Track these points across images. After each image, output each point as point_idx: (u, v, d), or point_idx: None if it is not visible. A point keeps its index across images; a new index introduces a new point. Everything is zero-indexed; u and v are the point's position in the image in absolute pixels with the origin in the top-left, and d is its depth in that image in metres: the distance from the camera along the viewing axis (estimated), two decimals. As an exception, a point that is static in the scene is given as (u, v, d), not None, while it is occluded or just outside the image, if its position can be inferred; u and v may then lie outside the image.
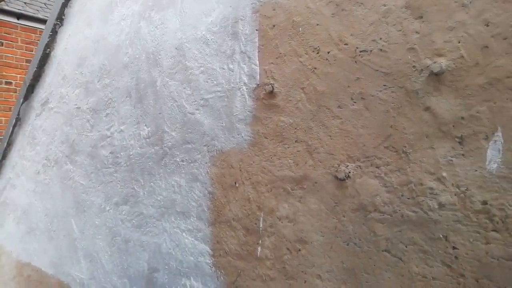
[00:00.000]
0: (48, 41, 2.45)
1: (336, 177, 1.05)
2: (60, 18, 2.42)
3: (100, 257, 1.84)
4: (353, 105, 1.04)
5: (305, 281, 1.09)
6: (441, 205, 0.87)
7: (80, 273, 1.96)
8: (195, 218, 1.41)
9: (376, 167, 0.99)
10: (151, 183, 1.61)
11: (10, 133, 2.74)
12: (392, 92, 0.97)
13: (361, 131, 1.02)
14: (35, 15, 7.56)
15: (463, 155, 0.85)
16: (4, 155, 2.86)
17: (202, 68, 1.47)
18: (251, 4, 1.33)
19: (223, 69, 1.39)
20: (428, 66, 0.91)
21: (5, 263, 2.66)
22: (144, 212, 1.62)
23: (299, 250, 1.12)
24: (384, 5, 1.01)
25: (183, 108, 1.52)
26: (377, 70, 1.00)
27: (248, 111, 1.30)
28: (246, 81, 1.31)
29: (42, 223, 2.33)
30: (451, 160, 0.86)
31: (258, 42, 1.30)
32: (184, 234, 1.44)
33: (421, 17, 0.94)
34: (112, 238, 1.77)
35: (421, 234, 0.90)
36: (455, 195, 0.85)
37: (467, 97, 0.85)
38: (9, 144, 2.79)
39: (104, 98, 1.96)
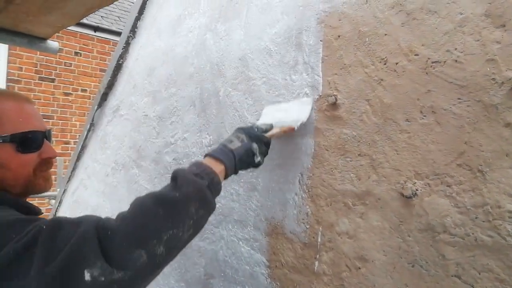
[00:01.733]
0: (121, 53, 2.63)
1: (402, 194, 1.00)
2: (133, 31, 2.59)
3: (159, 259, 1.91)
4: (423, 119, 0.99)
5: (364, 302, 1.05)
6: (523, 231, 0.79)
7: (141, 273, 2.05)
8: (252, 228, 1.41)
9: (447, 186, 0.92)
10: (211, 190, 1.64)
11: (84, 137, 2.97)
12: (467, 106, 0.91)
13: (431, 146, 0.96)
14: (110, 28, 8.15)
15: (551, 177, 0.77)
16: (78, 158, 3.10)
17: (264, 79, 1.48)
18: (316, 14, 1.32)
19: (285, 79, 1.39)
20: (510, 79, 0.84)
21: (74, 258, 2.86)
22: (202, 218, 1.66)
23: (359, 268, 1.08)
24: (461, 14, 0.95)
25: (244, 118, 1.54)
26: (451, 83, 0.94)
27: (310, 123, 1.28)
28: (308, 92, 1.30)
29: (109, 223, 2.47)
30: (537, 182, 0.78)
31: (322, 52, 1.29)
32: (240, 242, 1.45)
33: (504, 26, 0.87)
34: (172, 242, 1.83)
35: (498, 261, 0.82)
36: (541, 221, 0.77)
37: (557, 113, 0.77)
38: (83, 147, 3.02)
39: (169, 107, 2.05)
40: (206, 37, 1.87)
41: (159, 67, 2.22)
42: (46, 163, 1.00)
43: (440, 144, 0.95)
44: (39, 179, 0.98)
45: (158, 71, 2.22)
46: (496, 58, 0.87)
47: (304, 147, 1.29)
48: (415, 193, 0.98)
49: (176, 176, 0.90)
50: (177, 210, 0.81)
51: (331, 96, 1.21)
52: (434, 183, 0.95)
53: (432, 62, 0.99)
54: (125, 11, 8.85)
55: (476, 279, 0.85)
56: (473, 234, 0.87)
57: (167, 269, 1.85)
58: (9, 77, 6.84)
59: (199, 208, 0.85)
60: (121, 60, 2.66)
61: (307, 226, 1.23)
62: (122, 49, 2.62)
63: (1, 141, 0.90)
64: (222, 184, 0.99)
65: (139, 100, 2.36)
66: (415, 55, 1.03)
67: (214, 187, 0.93)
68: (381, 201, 1.05)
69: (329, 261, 1.15)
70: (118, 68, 2.68)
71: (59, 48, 7.40)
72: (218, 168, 0.99)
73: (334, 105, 1.21)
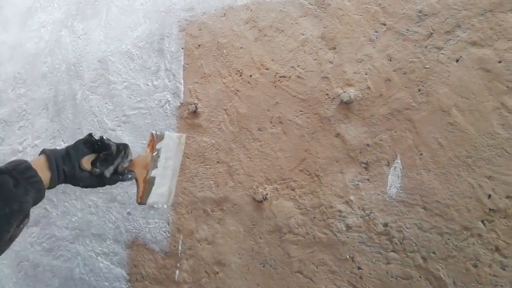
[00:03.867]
0: (-45, 44, 2.22)
1: (254, 199, 1.06)
2: (-28, 20, 2.21)
3: (3, 284, 1.66)
4: (272, 128, 1.07)
5: (222, 305, 1.08)
6: (349, 227, 0.91)
7: (-20, 302, 1.76)
8: (112, 241, 1.34)
9: (292, 190, 1.02)
10: (66, 203, 1.50)
11: None
12: (307, 117, 1.02)
13: (278, 154, 1.05)
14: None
15: (368, 179, 0.91)
16: None
17: (125, 83, 1.42)
18: (178, 22, 1.32)
19: (147, 85, 1.36)
20: (339, 95, 0.97)
21: None
22: (56, 234, 1.51)
23: (217, 272, 1.11)
24: (303, 34, 1.06)
25: (104, 124, 1.45)
26: (295, 96, 1.04)
27: (171, 130, 1.27)
28: (170, 99, 1.29)
29: None
30: (358, 184, 0.92)
31: (183, 60, 1.29)
32: (99, 257, 1.36)
33: (335, 48, 1.00)
34: (19, 263, 1.62)
35: (331, 255, 0.93)
36: (361, 217, 0.90)
37: (372, 125, 0.91)
38: None
39: (17, 109, 1.81)
40: (62, 34, 1.71)
41: (4, 64, 1.94)
42: None
43: (286, 151, 1.04)
44: None
45: (3, 68, 1.94)
46: (329, 76, 1.00)
47: (166, 155, 1.27)
48: (265, 197, 1.05)
49: None
50: None
51: (192, 104, 1.23)
52: (281, 187, 1.04)
53: (280, 77, 1.08)
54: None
55: (314, 273, 0.96)
56: (312, 232, 0.97)
57: (13, 295, 1.63)
58: None
59: None
60: (-44, 52, 2.25)
61: (168, 235, 1.22)
62: (-43, 39, 2.22)
63: None
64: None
65: (-21, 100, 2.03)
66: (266, 69, 1.11)
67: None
68: (236, 206, 1.10)
69: (189, 269, 1.16)
70: (-49, 61, 2.26)
71: None
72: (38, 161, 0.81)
73: (195, 113, 1.23)
